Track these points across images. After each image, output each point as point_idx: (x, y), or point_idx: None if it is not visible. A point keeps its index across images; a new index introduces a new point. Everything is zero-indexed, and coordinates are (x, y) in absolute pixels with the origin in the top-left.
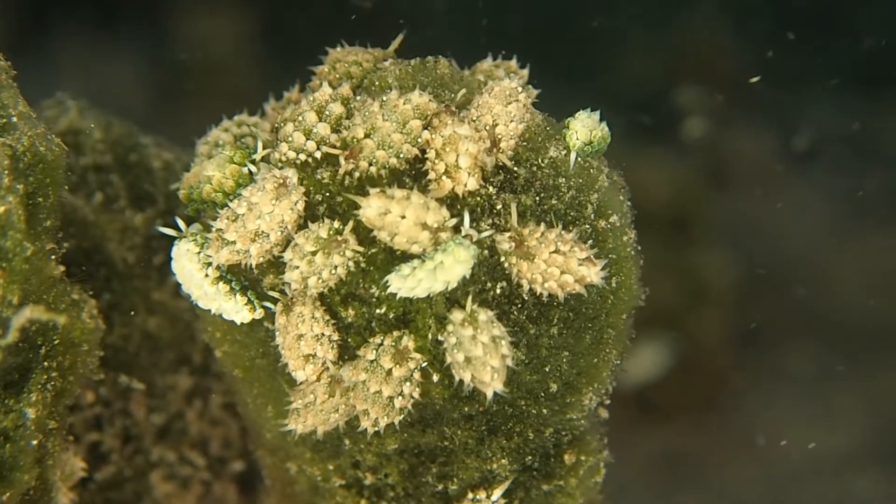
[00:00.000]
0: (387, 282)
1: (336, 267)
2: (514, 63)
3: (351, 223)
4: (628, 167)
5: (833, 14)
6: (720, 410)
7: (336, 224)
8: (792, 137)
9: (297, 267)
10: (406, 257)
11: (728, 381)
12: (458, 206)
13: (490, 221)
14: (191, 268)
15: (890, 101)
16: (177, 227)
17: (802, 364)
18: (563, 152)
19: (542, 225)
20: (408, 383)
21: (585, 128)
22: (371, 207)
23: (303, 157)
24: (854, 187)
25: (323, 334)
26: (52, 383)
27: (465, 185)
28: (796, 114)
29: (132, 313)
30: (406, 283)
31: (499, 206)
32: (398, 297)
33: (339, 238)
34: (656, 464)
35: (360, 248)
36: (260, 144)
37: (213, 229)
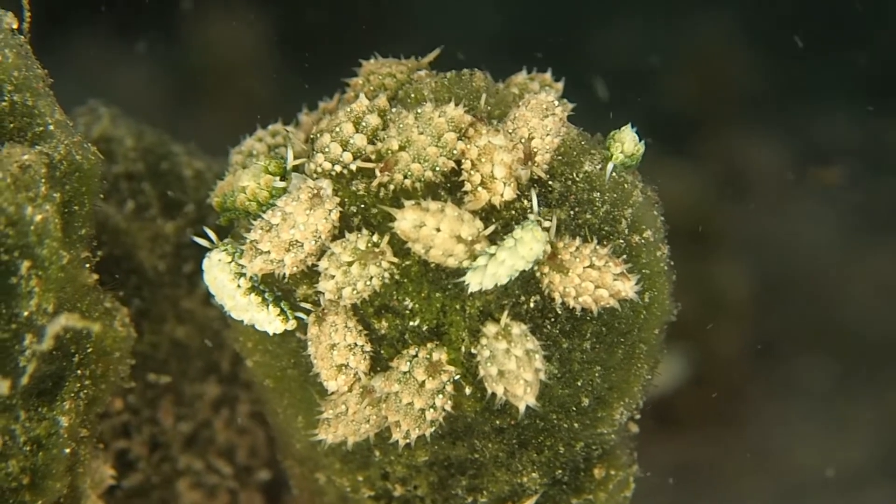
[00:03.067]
0: (466, 283)
1: (371, 278)
2: (548, 76)
3: (387, 235)
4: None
5: (850, 25)
6: (735, 422)
7: (374, 237)
8: (806, 149)
9: (333, 277)
10: (440, 269)
11: (743, 393)
12: (494, 219)
13: None
14: (223, 278)
15: None
16: (208, 237)
17: (817, 377)
18: (599, 167)
19: (577, 239)
20: (440, 395)
21: (632, 140)
22: (406, 220)
23: (338, 168)
24: (868, 199)
25: (356, 344)
26: (85, 391)
27: (502, 195)
28: (810, 126)
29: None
30: (488, 271)
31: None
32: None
33: (377, 250)
34: (671, 475)
35: (396, 260)
36: (290, 154)
37: (247, 240)
